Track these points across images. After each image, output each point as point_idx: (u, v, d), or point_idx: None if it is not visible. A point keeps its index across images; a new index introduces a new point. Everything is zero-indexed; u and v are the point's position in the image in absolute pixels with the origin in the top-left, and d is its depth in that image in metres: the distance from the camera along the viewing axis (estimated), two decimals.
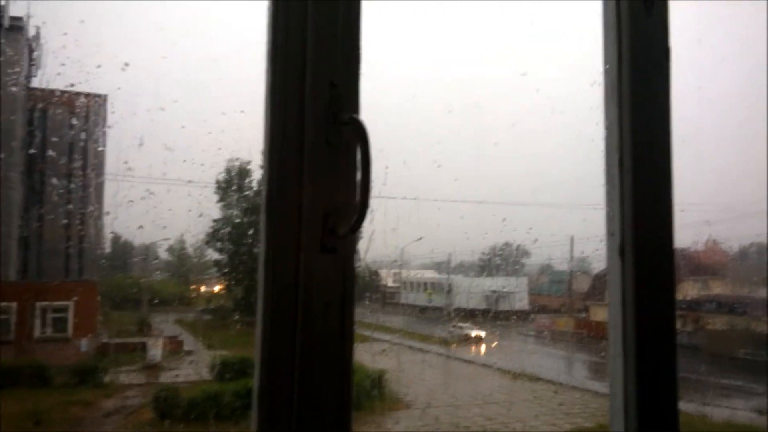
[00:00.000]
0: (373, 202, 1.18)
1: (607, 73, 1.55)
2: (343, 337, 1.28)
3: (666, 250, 1.58)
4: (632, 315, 1.55)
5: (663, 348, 1.60)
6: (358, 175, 1.21)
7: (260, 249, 1.22)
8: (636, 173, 1.50)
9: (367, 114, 1.24)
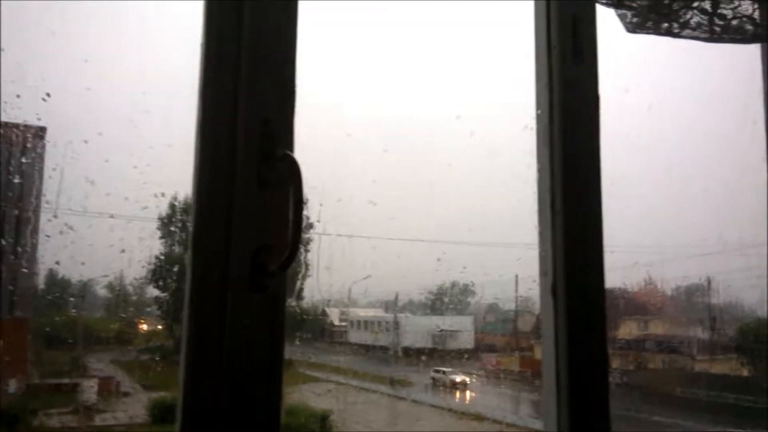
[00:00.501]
0: (319, 240, 1.17)
1: (539, 118, 1.60)
2: (272, 379, 1.25)
3: (597, 289, 1.62)
4: (565, 353, 1.57)
5: (596, 385, 1.63)
6: (291, 213, 1.20)
7: (185, 287, 1.18)
8: (567, 215, 1.54)
9: (301, 152, 1.24)
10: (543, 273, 1.60)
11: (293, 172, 1.15)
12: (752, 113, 1.95)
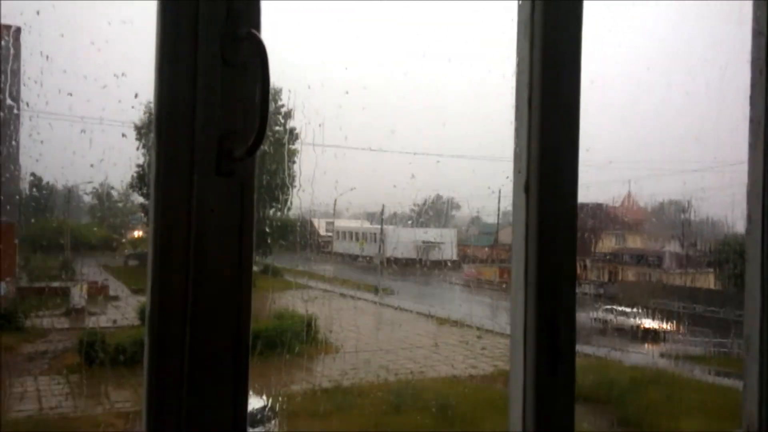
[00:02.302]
0: (306, 151, 1.14)
1: (520, 8, 1.54)
2: (241, 267, 1.25)
3: (570, 187, 1.62)
4: (534, 250, 1.59)
5: (563, 283, 1.66)
6: (257, 96, 1.16)
7: (151, 172, 1.16)
8: (543, 111, 1.52)
9: (268, 34, 1.18)
10: (517, 170, 1.59)
11: (259, 50, 1.10)
12: (739, 15, 1.89)
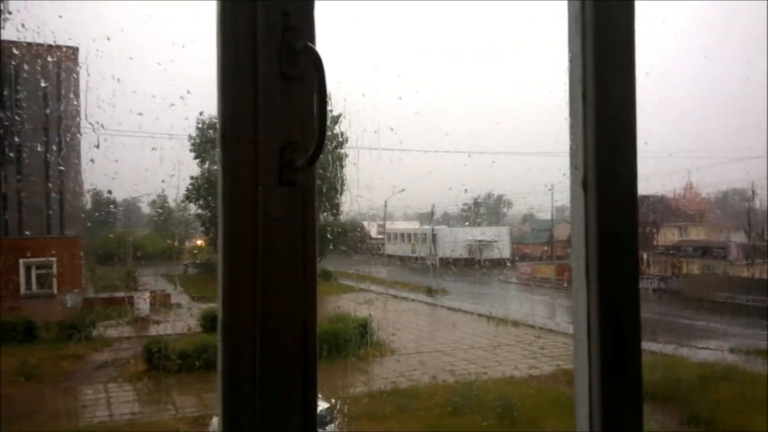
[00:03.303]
0: (359, 155, 1.18)
1: (570, 5, 1.53)
2: (306, 273, 1.28)
3: (629, 182, 1.59)
4: (595, 247, 1.57)
5: (625, 280, 1.63)
6: (315, 107, 1.19)
7: (218, 184, 1.21)
8: (598, 105, 1.50)
9: (324, 46, 1.22)
10: (573, 166, 1.57)
11: (316, 63, 1.14)
12: None
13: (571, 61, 1.52)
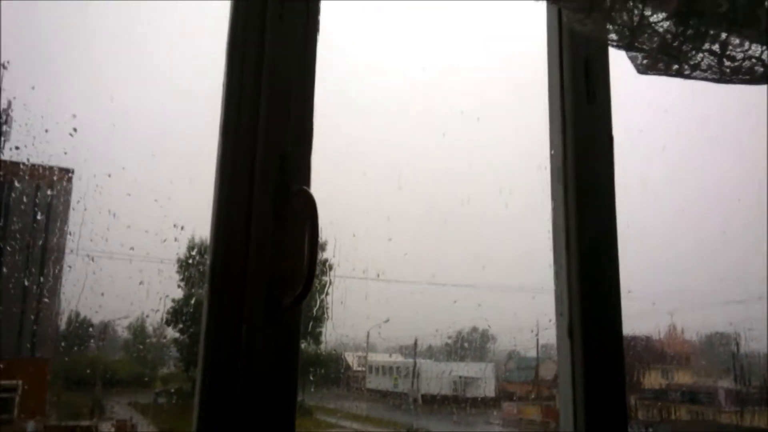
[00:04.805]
0: (340, 283, 1.19)
1: (552, 158, 1.62)
2: (287, 408, 1.24)
3: (614, 329, 1.60)
4: (582, 396, 1.54)
5: (613, 426, 1.59)
6: (306, 248, 1.22)
7: (202, 321, 1.20)
8: (582, 253, 1.54)
9: (318, 188, 1.26)
10: (559, 313, 1.59)
11: (309, 207, 1.17)
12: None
13: (554, 210, 1.58)
